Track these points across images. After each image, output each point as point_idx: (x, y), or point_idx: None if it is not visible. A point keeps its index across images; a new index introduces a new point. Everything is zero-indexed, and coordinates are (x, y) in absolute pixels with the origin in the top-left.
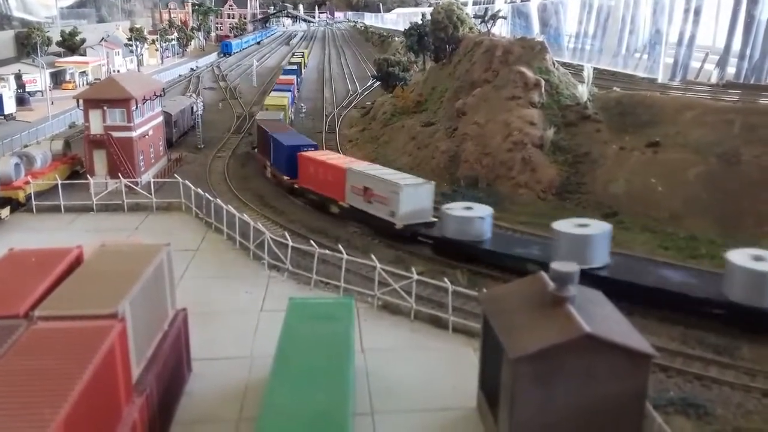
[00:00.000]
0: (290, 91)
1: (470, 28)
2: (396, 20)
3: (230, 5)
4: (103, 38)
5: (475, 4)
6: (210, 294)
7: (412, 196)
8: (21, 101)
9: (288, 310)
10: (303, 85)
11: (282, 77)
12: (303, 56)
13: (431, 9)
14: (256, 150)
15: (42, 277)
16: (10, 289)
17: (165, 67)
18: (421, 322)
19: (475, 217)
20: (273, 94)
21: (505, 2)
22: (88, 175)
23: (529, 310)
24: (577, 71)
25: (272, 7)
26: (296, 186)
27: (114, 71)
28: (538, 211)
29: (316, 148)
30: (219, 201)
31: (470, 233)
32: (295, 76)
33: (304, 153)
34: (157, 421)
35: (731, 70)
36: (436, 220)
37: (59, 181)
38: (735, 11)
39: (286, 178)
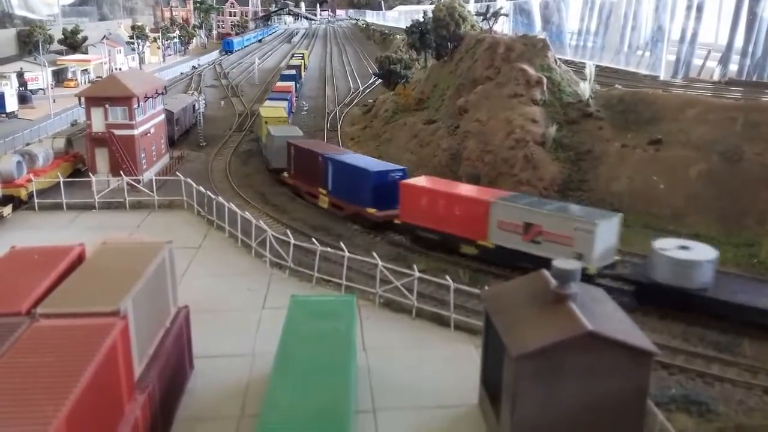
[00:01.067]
0: (287, 99)
1: (472, 26)
2: (398, 18)
3: (232, 3)
4: (104, 36)
5: (476, 1)
6: (212, 291)
7: (604, 234)
8: (23, 99)
9: (290, 307)
10: (305, 83)
11: (278, 84)
12: (303, 58)
13: (433, 6)
14: (286, 174)
15: (44, 274)
16: (13, 286)
17: (167, 65)
18: (423, 320)
19: (702, 261)
20: (268, 103)
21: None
22: (90, 173)
23: (531, 308)
24: (579, 68)
25: (274, 5)
26: (397, 222)
27: (116, 69)
28: None
29: (404, 172)
30: (221, 199)
31: (692, 279)
32: (293, 83)
33: (409, 182)
34: (159, 419)
35: (733, 67)
36: (618, 258)
37: (61, 179)
38: (737, 8)
39: (371, 210)
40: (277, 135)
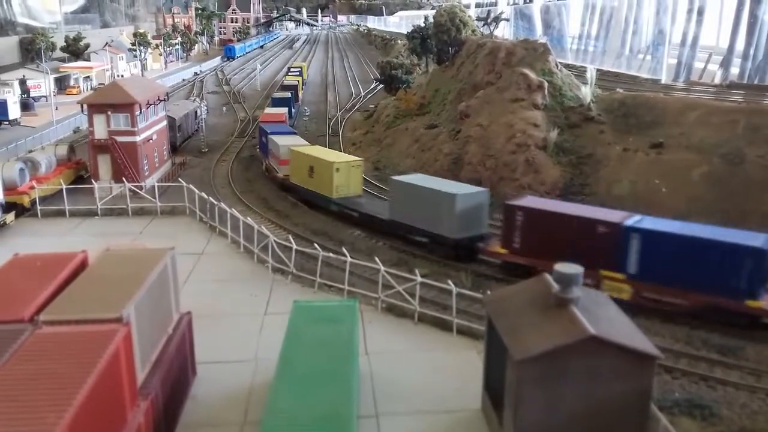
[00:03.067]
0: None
1: (473, 31)
2: (399, 23)
3: (233, 9)
4: (107, 43)
5: (477, 6)
6: (214, 297)
7: None
8: (25, 106)
9: (292, 313)
10: (306, 89)
11: (267, 111)
12: (300, 73)
13: (434, 12)
14: (501, 249)
15: (47, 281)
16: (16, 293)
17: (169, 72)
18: (425, 325)
19: None
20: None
21: (508, 4)
22: (92, 180)
23: (533, 312)
24: (580, 73)
25: (275, 11)
26: None
27: (118, 76)
28: None
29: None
30: (223, 205)
31: None
32: (286, 109)
33: None
34: (162, 425)
35: (735, 70)
36: None
37: (64, 186)
38: (738, 11)
39: (756, 304)
40: (460, 193)
